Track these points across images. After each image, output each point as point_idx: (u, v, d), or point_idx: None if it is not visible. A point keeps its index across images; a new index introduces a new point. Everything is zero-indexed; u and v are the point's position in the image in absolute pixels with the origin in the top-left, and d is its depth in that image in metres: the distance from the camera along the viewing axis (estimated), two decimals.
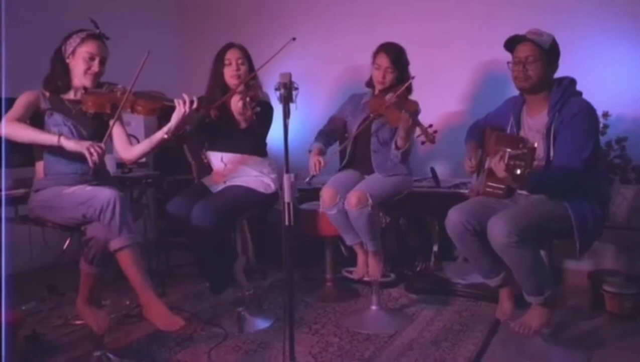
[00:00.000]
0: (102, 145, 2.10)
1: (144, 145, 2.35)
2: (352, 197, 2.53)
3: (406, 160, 2.73)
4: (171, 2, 4.46)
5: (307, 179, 2.73)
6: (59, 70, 2.29)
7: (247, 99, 2.38)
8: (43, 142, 2.17)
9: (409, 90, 2.73)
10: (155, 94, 2.33)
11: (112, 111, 2.25)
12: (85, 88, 2.29)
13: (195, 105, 2.25)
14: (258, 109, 2.40)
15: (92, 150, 2.06)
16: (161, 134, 2.28)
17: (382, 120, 2.70)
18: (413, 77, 2.65)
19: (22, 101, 2.24)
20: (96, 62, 2.27)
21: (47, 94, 2.30)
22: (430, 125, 2.45)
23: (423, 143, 2.50)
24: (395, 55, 2.68)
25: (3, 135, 2.15)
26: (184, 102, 2.23)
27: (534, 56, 2.13)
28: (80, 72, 2.27)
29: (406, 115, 2.45)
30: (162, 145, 2.32)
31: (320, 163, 2.70)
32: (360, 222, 2.54)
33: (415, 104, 2.62)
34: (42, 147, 2.25)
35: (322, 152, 2.79)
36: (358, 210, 2.51)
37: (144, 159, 3.34)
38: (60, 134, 2.15)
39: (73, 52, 2.26)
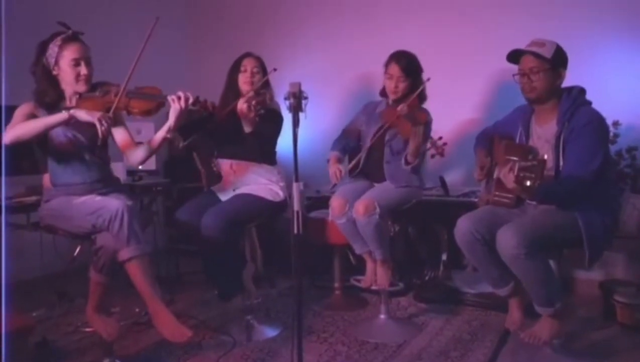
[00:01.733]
0: (111, 115, 2.11)
1: (149, 147, 2.34)
2: (360, 206, 2.53)
3: (418, 171, 2.72)
4: (180, 3, 4.49)
5: (330, 188, 2.78)
6: (46, 85, 2.24)
7: (253, 102, 2.40)
8: (54, 123, 2.12)
9: (422, 98, 2.73)
10: (150, 92, 2.28)
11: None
12: (79, 94, 2.26)
13: (190, 100, 2.22)
14: (262, 111, 2.41)
15: (102, 121, 2.07)
16: (162, 133, 2.27)
17: (395, 131, 2.70)
18: (428, 79, 2.63)
19: (21, 113, 2.21)
20: (83, 65, 2.23)
21: None
22: (440, 138, 2.42)
23: (433, 156, 2.49)
24: (406, 64, 2.68)
25: (9, 141, 2.10)
26: (179, 98, 2.21)
27: (538, 67, 2.14)
28: (70, 80, 2.23)
29: (416, 129, 2.44)
30: (164, 143, 2.31)
31: (340, 171, 2.70)
32: (368, 231, 2.54)
33: (426, 114, 2.62)
34: (45, 155, 2.26)
35: (340, 160, 2.79)
36: (366, 218, 2.51)
37: (153, 167, 3.38)
38: (69, 108, 2.12)
39: (57, 63, 2.21)
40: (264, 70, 2.69)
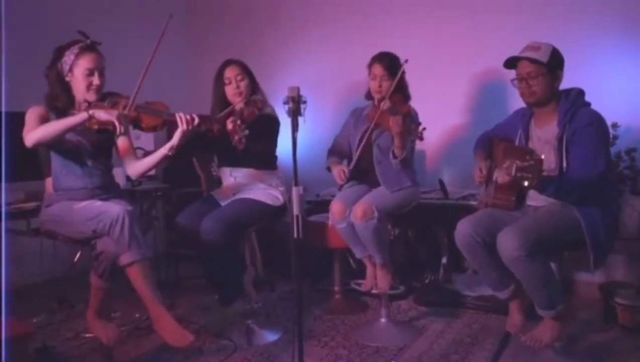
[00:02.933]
0: (127, 112, 2.15)
1: (147, 162, 2.35)
2: (358, 210, 2.53)
3: (409, 168, 2.72)
4: (180, 7, 4.49)
5: (338, 188, 2.80)
6: (58, 90, 2.26)
7: (238, 121, 2.35)
8: (74, 124, 2.14)
9: (406, 96, 2.74)
10: (158, 107, 2.30)
11: (114, 126, 2.20)
12: (88, 102, 2.28)
13: (196, 122, 2.22)
14: (247, 132, 2.35)
15: (121, 119, 2.10)
16: (164, 150, 2.27)
17: (381, 129, 2.70)
18: (406, 61, 2.63)
19: (34, 115, 2.23)
20: (96, 75, 2.25)
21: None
22: (419, 124, 2.44)
23: (413, 141, 2.54)
24: (389, 64, 2.69)
25: (31, 143, 2.13)
26: (185, 120, 2.21)
27: (535, 71, 2.15)
28: (82, 88, 2.25)
29: (397, 118, 2.43)
30: (165, 161, 2.32)
31: (344, 172, 2.73)
32: (366, 235, 2.54)
33: (408, 107, 2.63)
34: (49, 158, 2.28)
35: (340, 164, 2.83)
36: (364, 223, 2.51)
37: (153, 172, 3.38)
38: (87, 109, 2.14)
39: (71, 70, 2.24)
40: (248, 74, 2.66)
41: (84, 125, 2.15)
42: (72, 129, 2.16)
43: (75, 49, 2.24)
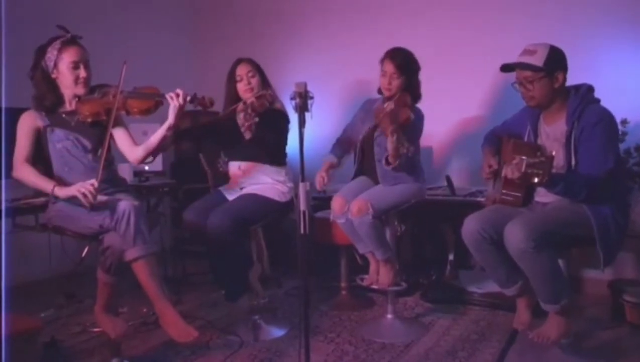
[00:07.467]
0: (94, 182, 2.09)
1: (148, 145, 2.34)
2: (354, 206, 2.51)
3: (410, 170, 2.64)
4: (186, 4, 4.50)
5: (318, 193, 2.77)
6: (44, 89, 2.26)
7: (249, 110, 2.40)
8: (41, 188, 2.22)
9: (415, 97, 2.68)
10: (148, 91, 2.30)
11: (107, 116, 2.24)
12: (78, 97, 2.28)
13: (188, 98, 2.24)
14: (256, 119, 2.40)
15: (83, 190, 2.07)
16: (162, 131, 2.27)
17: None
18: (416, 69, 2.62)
19: (23, 131, 2.25)
20: (82, 68, 2.25)
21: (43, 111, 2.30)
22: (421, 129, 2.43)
23: (417, 138, 2.57)
24: (400, 61, 2.63)
25: (15, 178, 2.23)
26: (177, 96, 2.21)
27: (531, 77, 2.13)
28: (69, 82, 2.25)
29: (391, 128, 2.35)
30: (164, 141, 2.32)
31: (323, 179, 2.69)
32: (362, 231, 2.53)
33: (409, 113, 2.47)
34: (49, 163, 2.31)
35: (332, 166, 2.76)
36: (358, 218, 2.50)
37: (160, 168, 3.39)
38: (54, 185, 2.18)
39: (56, 66, 2.23)
40: (259, 71, 2.69)
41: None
42: (40, 190, 2.25)
43: (57, 45, 2.23)
